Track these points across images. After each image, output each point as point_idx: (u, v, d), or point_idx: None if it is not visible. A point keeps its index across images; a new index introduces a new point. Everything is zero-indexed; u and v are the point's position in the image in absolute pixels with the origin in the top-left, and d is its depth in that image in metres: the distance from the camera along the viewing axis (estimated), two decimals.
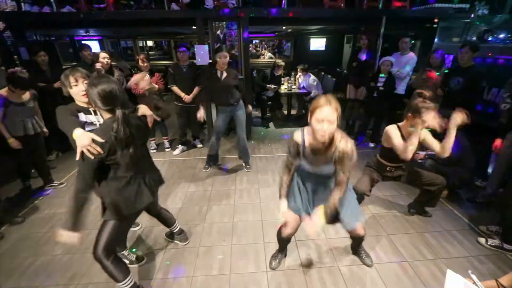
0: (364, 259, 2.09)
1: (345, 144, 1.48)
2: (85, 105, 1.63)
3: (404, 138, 2.05)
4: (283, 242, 1.99)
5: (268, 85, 5.11)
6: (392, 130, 2.10)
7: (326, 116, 1.36)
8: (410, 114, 1.99)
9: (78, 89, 1.58)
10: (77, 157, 1.30)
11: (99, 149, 1.31)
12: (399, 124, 2.13)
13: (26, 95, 2.70)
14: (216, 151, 3.50)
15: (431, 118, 1.87)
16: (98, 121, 1.63)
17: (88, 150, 1.29)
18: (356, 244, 2.08)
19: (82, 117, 1.61)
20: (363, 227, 1.80)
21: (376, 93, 3.83)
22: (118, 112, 1.36)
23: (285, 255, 2.15)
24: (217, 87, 3.10)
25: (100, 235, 1.57)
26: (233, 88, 3.12)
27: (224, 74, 3.08)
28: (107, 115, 1.43)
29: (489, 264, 2.04)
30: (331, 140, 1.48)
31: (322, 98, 1.43)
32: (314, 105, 1.43)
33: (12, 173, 3.12)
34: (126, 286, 1.65)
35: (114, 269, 1.59)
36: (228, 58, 3.04)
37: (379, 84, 3.79)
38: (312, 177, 1.67)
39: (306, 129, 1.57)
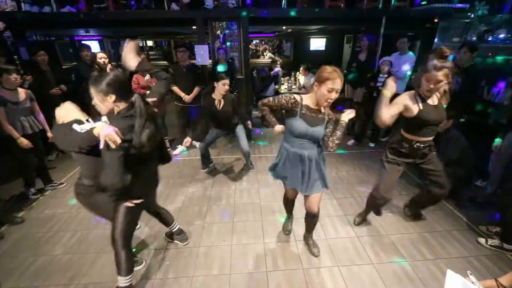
0: (312, 249, 2.18)
1: (330, 111, 1.74)
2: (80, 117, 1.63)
3: (425, 101, 1.89)
4: (289, 206, 2.29)
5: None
6: (400, 96, 1.95)
7: (338, 87, 1.56)
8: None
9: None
10: (101, 145, 1.29)
11: (118, 139, 1.30)
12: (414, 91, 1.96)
13: (22, 95, 2.66)
14: (206, 153, 3.42)
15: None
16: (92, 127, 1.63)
17: (111, 140, 1.28)
18: (308, 227, 2.14)
19: (77, 127, 1.56)
20: (318, 204, 1.92)
21: (376, 92, 3.83)
22: (135, 96, 1.46)
23: (292, 221, 2.41)
24: (216, 115, 3.06)
25: (116, 221, 1.61)
26: (232, 114, 3.09)
27: (222, 103, 3.02)
28: (121, 106, 1.48)
29: (489, 264, 2.05)
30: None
31: (331, 69, 1.57)
32: (325, 75, 1.56)
33: (12, 173, 3.12)
34: (127, 283, 1.67)
35: (125, 262, 1.64)
36: (227, 86, 2.94)
37: (378, 84, 3.79)
38: (301, 144, 1.75)
39: (304, 96, 1.74)
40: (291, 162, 1.83)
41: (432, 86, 1.77)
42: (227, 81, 2.92)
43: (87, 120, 1.62)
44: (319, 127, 1.69)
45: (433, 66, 1.73)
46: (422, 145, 1.98)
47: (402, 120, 2.00)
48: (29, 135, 2.72)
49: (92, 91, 1.44)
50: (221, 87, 2.92)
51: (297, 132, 1.70)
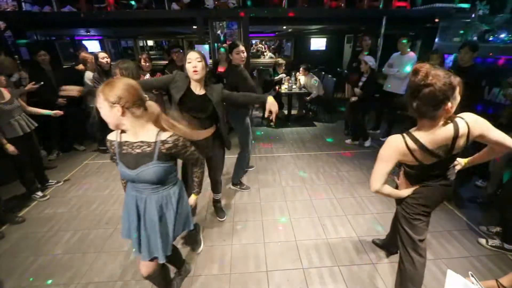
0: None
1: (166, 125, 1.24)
2: None
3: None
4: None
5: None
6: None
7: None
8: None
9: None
10: None
11: None
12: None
13: (7, 95, 2.57)
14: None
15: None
16: None
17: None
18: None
19: None
20: (147, 267, 1.46)
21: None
22: None
23: None
24: (245, 86, 2.64)
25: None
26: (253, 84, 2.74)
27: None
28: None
29: (489, 264, 2.04)
30: None
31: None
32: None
33: (12, 174, 3.12)
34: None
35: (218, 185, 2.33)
36: (245, 54, 2.64)
37: (360, 83, 3.80)
38: (136, 186, 1.29)
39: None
40: (129, 212, 1.33)
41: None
42: (241, 47, 2.63)
43: None
44: (145, 166, 1.17)
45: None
46: None
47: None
48: (25, 134, 2.70)
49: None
50: (240, 55, 2.62)
51: (124, 178, 1.28)
